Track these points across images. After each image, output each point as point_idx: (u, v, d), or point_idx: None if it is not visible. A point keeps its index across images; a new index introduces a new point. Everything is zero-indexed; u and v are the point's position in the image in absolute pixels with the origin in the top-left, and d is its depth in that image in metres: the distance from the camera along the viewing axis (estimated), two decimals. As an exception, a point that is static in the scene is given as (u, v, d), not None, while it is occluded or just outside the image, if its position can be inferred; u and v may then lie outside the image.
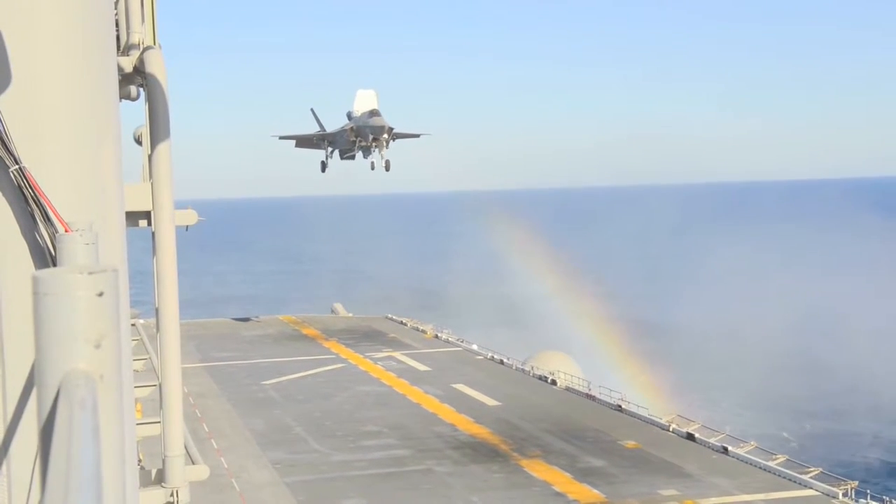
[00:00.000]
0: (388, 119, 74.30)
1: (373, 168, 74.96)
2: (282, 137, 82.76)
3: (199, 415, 49.55)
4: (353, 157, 77.95)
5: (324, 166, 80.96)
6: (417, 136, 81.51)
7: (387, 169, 74.32)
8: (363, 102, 75.37)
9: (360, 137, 74.50)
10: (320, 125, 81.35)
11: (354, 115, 75.94)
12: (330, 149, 79.55)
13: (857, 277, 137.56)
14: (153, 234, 11.22)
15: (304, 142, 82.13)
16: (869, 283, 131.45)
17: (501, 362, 65.83)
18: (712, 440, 44.96)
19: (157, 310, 11.44)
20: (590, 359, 78.05)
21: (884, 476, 67.63)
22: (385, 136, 72.96)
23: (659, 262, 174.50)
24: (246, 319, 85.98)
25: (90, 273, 3.31)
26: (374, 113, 73.50)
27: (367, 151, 74.92)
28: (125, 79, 11.28)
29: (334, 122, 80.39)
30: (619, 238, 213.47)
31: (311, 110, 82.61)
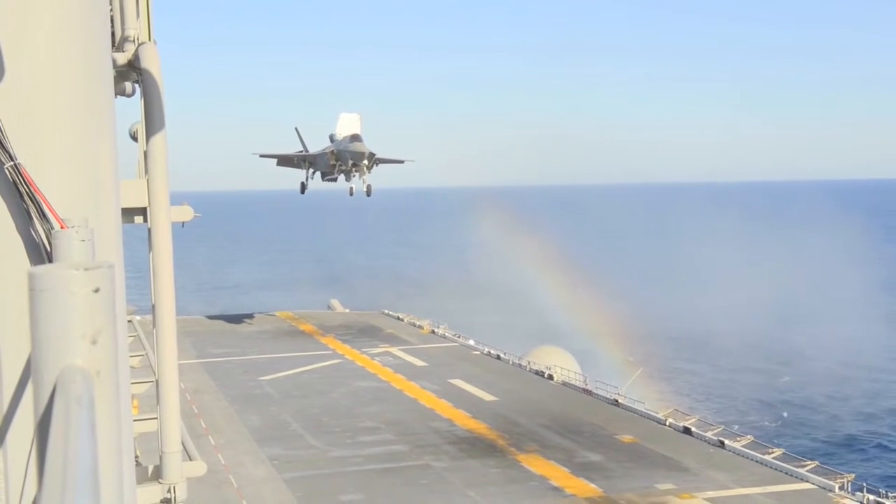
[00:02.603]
0: (369, 144, 72.82)
1: (351, 194, 73.48)
2: (262, 156, 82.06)
3: (196, 411, 49.53)
4: (334, 180, 76.53)
5: (303, 187, 79.75)
6: (402, 161, 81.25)
7: (368, 194, 72.78)
8: (346, 126, 74.08)
9: (340, 161, 73.44)
10: (303, 145, 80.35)
11: (336, 137, 74.71)
12: (311, 170, 78.42)
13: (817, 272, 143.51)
14: (149, 230, 11.19)
15: (285, 161, 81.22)
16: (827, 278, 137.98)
17: (498, 357, 65.88)
18: (709, 434, 45.06)
19: (153, 306, 11.42)
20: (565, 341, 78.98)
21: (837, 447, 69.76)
22: (365, 161, 71.69)
23: (643, 259, 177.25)
24: (240, 321, 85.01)
25: (86, 269, 3.30)
26: (355, 137, 72.19)
27: (348, 175, 73.79)
28: (120, 74, 11.25)
29: (318, 143, 79.65)
30: (609, 236, 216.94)
31: (296, 129, 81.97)
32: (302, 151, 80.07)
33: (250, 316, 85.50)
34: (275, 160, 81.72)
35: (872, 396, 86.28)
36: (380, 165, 75.23)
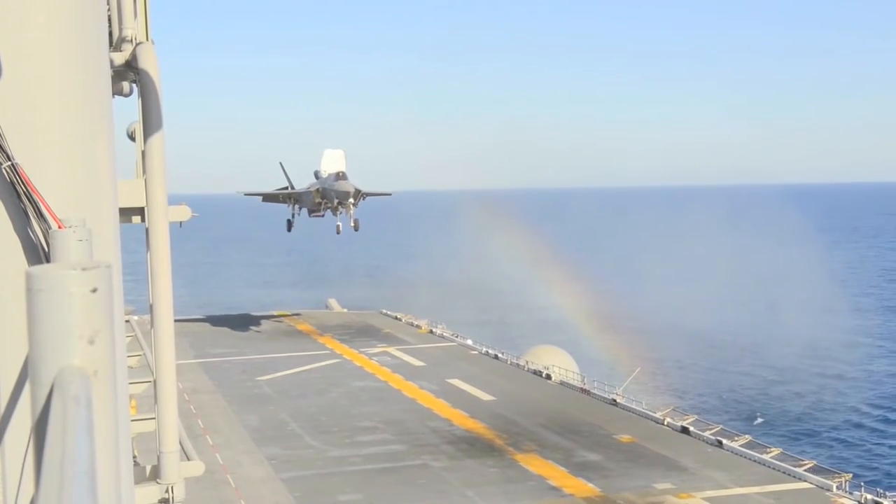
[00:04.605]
0: (354, 181, 72.25)
1: (338, 232, 72.85)
2: (247, 194, 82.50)
3: (193, 411, 49.52)
4: (321, 216, 76.33)
5: (290, 225, 79.17)
6: (389, 194, 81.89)
7: (356, 229, 72.06)
8: (330, 162, 73.57)
9: (325, 199, 73.11)
10: (289, 181, 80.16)
11: (321, 174, 74.26)
12: (297, 206, 78.07)
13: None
14: (147, 230, 11.18)
15: (270, 198, 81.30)
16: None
17: (496, 357, 65.88)
18: (707, 433, 45.08)
19: (151, 306, 11.41)
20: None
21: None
22: (351, 200, 71.12)
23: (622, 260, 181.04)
24: (244, 324, 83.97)
25: (84, 269, 3.30)
26: (339, 176, 71.47)
27: (335, 211, 73.22)
28: (118, 74, 11.23)
29: (303, 174, 79.59)
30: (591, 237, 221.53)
31: (280, 164, 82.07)
32: (287, 188, 79.73)
33: (256, 322, 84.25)
34: (260, 197, 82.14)
35: (847, 388, 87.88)
36: (367, 199, 75.19)
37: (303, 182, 78.67)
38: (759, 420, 74.76)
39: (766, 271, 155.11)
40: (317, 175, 75.78)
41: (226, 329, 79.44)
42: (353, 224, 71.91)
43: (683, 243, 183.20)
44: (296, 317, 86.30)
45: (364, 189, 73.34)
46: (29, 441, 3.31)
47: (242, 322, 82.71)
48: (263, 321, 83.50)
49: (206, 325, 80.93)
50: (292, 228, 79.67)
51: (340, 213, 72.45)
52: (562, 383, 57.56)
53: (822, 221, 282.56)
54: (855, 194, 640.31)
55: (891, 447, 71.79)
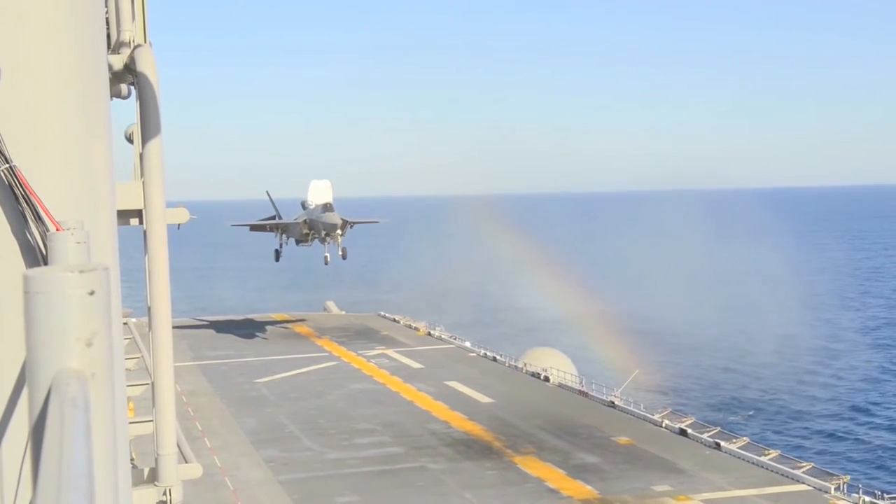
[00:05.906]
0: (341, 211, 72.64)
1: (326, 262, 73.02)
2: (234, 225, 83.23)
3: (191, 413, 49.47)
4: (309, 245, 76.71)
5: (278, 255, 79.27)
6: (377, 221, 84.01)
7: (343, 257, 72.40)
8: (317, 194, 73.96)
9: (313, 230, 73.52)
10: (276, 211, 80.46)
11: (308, 205, 74.67)
12: (284, 236, 78.34)
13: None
14: (144, 232, 11.18)
15: (258, 228, 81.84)
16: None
17: (494, 359, 65.86)
18: (705, 435, 45.08)
19: (148, 308, 11.41)
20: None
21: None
22: (338, 231, 71.54)
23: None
24: (247, 331, 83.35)
25: (81, 272, 3.31)
26: (327, 207, 71.84)
27: (323, 241, 73.45)
28: (116, 77, 11.24)
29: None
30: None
31: (267, 192, 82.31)
32: (274, 217, 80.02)
33: (261, 328, 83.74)
34: (247, 227, 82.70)
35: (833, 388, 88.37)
36: (354, 227, 75.51)
37: (289, 203, 79.28)
38: (752, 412, 74.95)
39: (763, 273, 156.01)
40: (303, 205, 76.10)
41: (224, 331, 79.28)
42: (340, 253, 72.21)
43: (679, 246, 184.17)
44: (294, 319, 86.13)
45: (351, 219, 73.93)
46: (27, 443, 3.32)
47: (246, 327, 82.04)
48: (268, 326, 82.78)
49: (211, 331, 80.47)
50: (280, 258, 79.79)
51: (328, 242, 72.67)
52: (560, 385, 57.54)
53: (817, 224, 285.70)
54: (851, 197, 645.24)
55: (890, 448, 71.85)
